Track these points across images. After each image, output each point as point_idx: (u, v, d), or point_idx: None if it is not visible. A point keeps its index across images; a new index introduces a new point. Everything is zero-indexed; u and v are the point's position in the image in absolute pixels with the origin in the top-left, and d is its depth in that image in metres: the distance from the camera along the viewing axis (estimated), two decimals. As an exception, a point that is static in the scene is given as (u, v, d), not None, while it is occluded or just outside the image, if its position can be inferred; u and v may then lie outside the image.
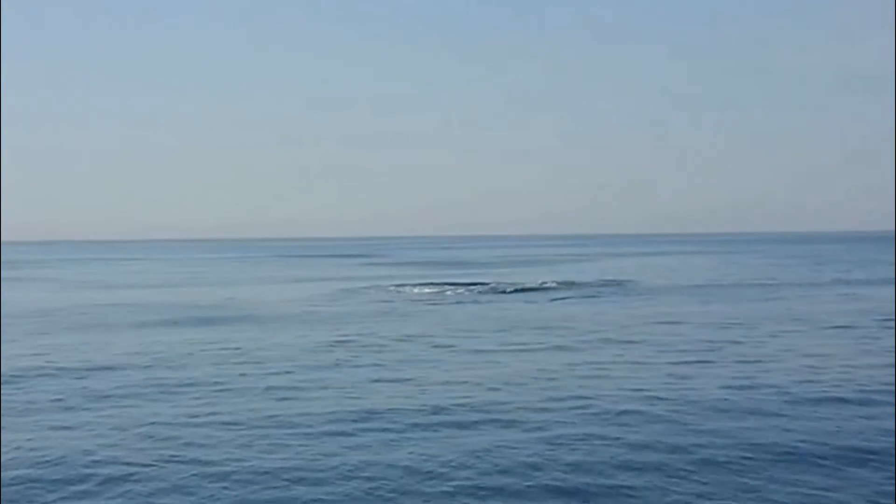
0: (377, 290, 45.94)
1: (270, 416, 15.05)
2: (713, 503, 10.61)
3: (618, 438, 13.29)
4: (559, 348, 23.36)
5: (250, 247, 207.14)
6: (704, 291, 43.34)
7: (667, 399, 16.13)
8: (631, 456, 12.36)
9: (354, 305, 37.88)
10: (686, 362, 20.49)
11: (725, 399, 16.11)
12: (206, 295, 45.97)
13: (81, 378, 19.40)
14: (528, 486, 11.20)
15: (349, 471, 11.85)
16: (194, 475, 11.72)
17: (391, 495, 10.92)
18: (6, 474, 11.89)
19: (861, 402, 15.84)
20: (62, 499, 11.03)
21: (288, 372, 19.79)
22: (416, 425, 14.34)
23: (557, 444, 13.01)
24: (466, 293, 43.94)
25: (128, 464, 12.25)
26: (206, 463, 12.26)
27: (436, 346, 23.90)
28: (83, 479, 11.70)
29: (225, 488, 11.21)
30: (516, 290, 44.91)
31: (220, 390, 17.70)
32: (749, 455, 12.39)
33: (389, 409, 15.44)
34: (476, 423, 14.49)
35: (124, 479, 11.62)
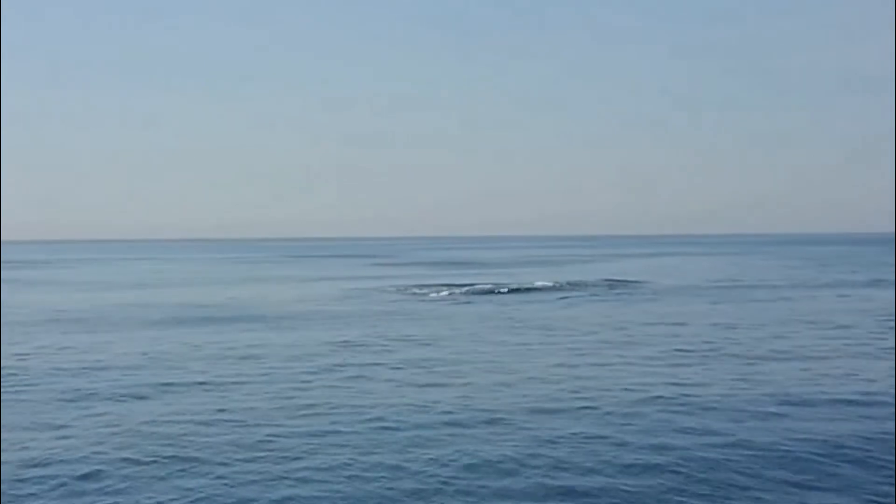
0: (394, 291, 45.97)
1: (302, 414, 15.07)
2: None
3: (611, 438, 13.28)
4: (588, 349, 23.35)
5: (251, 247, 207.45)
6: (712, 293, 43.33)
7: (670, 400, 16.11)
8: (633, 457, 12.35)
9: (372, 304, 38.03)
10: (684, 364, 20.48)
11: (732, 398, 16.10)
12: (227, 294, 46.05)
13: (98, 378, 19.38)
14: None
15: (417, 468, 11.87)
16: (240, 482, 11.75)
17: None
18: (7, 475, 11.91)
19: (861, 404, 15.78)
20: (64, 497, 11.04)
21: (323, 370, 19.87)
22: (451, 423, 14.42)
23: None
24: (485, 294, 44.18)
25: (137, 463, 12.28)
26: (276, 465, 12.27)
27: (462, 349, 23.93)
28: (90, 477, 11.72)
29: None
30: (528, 290, 45.39)
31: (269, 387, 17.79)
32: (748, 457, 12.35)
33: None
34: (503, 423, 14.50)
35: (129, 478, 11.65)
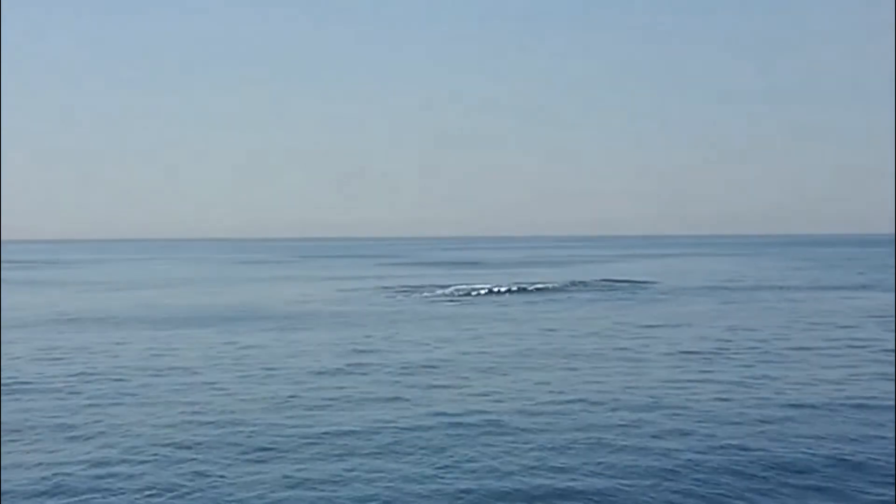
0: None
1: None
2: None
3: (609, 441, 13.38)
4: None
5: (300, 246, 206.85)
6: (717, 294, 43.28)
7: (668, 403, 16.20)
8: (631, 460, 12.44)
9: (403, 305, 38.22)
10: (684, 366, 20.58)
11: (732, 402, 16.17)
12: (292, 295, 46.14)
13: (123, 381, 19.59)
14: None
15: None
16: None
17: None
18: (8, 477, 12.16)
19: (862, 408, 15.81)
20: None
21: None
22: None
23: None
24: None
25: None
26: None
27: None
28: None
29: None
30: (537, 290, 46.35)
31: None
32: (745, 463, 12.41)
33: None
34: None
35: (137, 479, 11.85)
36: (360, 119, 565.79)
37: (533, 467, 12.18)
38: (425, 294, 45.26)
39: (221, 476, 11.94)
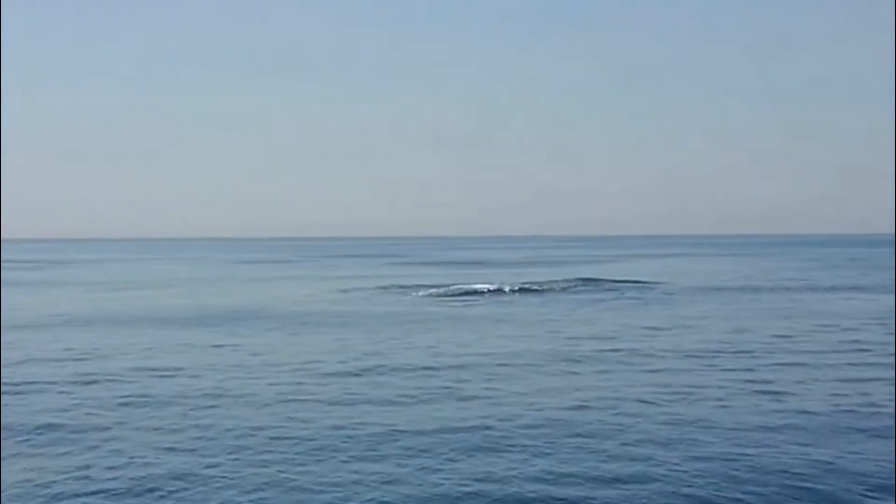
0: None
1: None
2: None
3: (598, 448, 13.38)
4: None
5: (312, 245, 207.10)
6: (721, 294, 43.24)
7: (663, 408, 16.17)
8: (618, 467, 12.45)
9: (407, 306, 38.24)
10: (684, 369, 20.55)
11: (731, 408, 16.16)
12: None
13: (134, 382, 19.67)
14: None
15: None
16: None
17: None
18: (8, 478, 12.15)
19: (862, 416, 15.75)
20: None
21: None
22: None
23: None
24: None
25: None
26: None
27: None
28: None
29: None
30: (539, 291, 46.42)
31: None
32: (742, 470, 12.38)
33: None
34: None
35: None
36: (361, 119, 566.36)
37: (527, 476, 12.16)
38: (431, 292, 45.37)
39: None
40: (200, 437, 14.29)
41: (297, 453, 13.29)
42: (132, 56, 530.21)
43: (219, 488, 11.69)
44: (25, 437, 14.53)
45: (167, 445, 13.81)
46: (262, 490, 11.64)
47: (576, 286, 48.99)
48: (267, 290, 51.82)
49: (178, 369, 21.28)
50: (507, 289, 46.19)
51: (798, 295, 43.33)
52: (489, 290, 45.50)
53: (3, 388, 18.52)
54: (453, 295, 44.31)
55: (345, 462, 12.82)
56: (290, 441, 13.99)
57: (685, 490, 11.51)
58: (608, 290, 47.03)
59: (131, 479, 12.10)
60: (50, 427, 15.14)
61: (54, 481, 12.08)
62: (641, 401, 16.88)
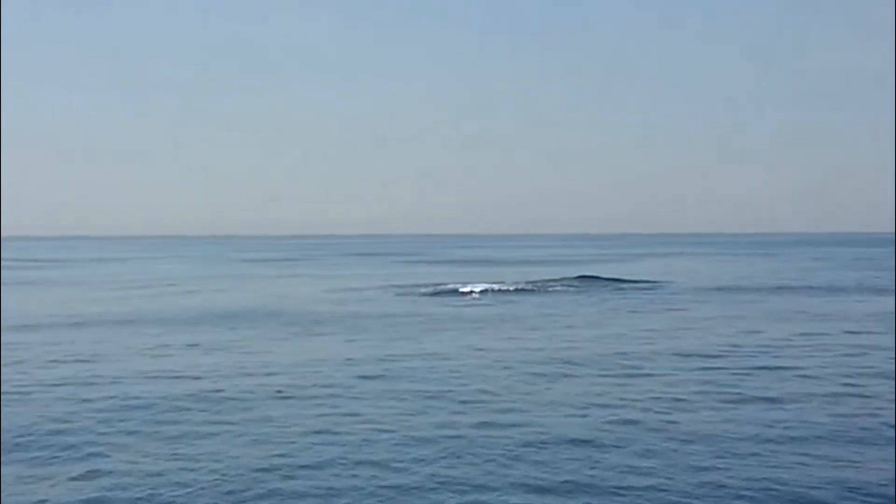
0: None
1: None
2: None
3: (588, 458, 13.34)
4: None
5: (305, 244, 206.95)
6: (723, 295, 43.17)
7: (658, 415, 16.11)
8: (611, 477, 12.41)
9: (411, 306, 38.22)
10: (683, 369, 20.48)
11: (729, 418, 16.09)
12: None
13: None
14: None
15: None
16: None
17: None
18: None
19: (862, 427, 15.57)
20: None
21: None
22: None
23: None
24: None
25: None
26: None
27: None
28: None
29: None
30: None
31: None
32: (738, 483, 12.29)
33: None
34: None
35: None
36: (361, 118, 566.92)
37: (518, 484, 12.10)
38: (433, 291, 45.41)
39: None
40: (202, 442, 14.29)
41: (301, 461, 13.20)
42: (132, 56, 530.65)
43: (223, 493, 11.70)
44: (25, 437, 14.54)
45: (168, 451, 13.79)
46: (269, 497, 11.62)
47: (579, 286, 49.03)
48: (271, 288, 51.88)
49: (179, 370, 21.29)
50: (511, 287, 46.19)
51: (797, 297, 43.24)
52: (492, 290, 45.49)
53: (2, 388, 18.51)
54: (455, 294, 44.33)
55: (326, 468, 12.80)
56: (295, 445, 13.95)
57: (684, 502, 11.43)
58: (615, 290, 47.00)
59: (134, 484, 12.09)
60: (51, 430, 15.12)
61: (55, 484, 12.09)
62: (643, 409, 16.74)
